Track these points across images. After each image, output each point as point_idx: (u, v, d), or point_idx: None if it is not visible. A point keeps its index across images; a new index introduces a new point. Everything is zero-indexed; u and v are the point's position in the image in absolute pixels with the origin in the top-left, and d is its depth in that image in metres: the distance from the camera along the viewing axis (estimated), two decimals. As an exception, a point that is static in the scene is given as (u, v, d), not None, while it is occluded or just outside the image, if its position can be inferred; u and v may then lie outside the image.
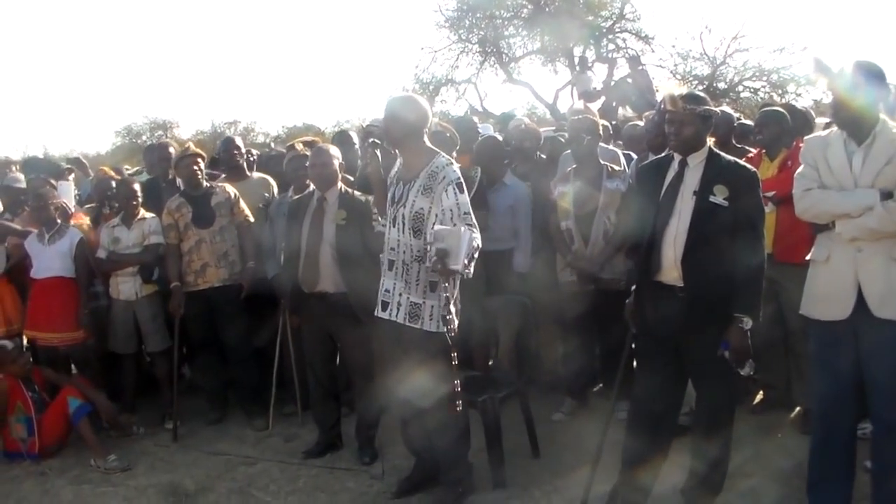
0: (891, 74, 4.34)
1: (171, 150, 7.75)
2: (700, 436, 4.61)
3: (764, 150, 6.07)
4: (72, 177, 9.40)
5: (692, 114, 4.34)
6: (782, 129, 5.99)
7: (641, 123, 7.84)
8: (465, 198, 4.74)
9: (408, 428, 5.26)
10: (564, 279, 6.32)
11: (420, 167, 4.84)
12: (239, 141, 7.93)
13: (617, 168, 6.39)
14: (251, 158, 8.26)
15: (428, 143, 4.95)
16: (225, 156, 7.60)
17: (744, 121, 7.76)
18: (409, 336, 4.85)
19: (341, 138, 7.77)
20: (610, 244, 6.10)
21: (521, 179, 6.94)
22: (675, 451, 4.68)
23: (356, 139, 7.74)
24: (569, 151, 6.68)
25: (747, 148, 6.43)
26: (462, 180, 4.77)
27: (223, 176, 7.53)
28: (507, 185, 6.74)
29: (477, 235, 4.66)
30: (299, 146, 6.80)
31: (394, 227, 4.92)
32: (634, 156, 7.11)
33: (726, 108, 7.29)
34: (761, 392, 6.44)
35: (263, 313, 6.79)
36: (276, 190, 7.32)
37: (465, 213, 4.70)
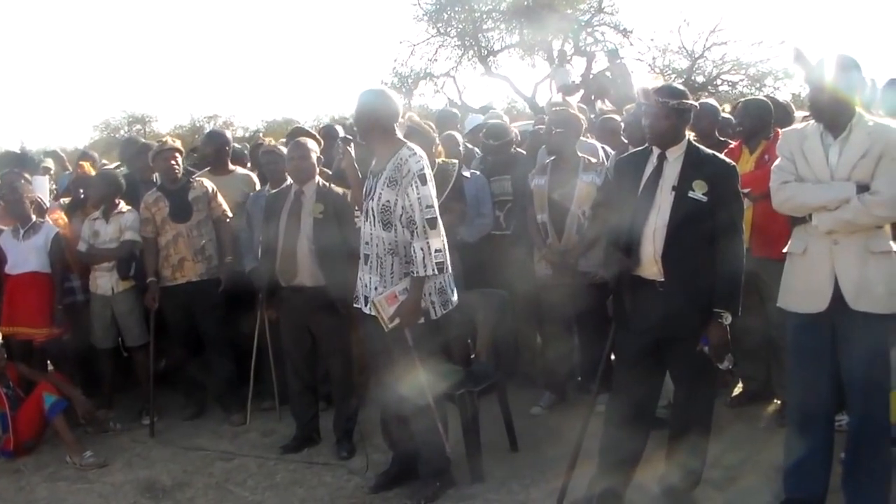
0: (866, 67, 4.35)
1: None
2: (678, 429, 4.63)
3: (744, 142, 6.06)
4: (52, 171, 9.37)
5: (666, 107, 4.35)
6: (762, 120, 5.96)
7: (617, 117, 7.86)
8: (427, 190, 4.77)
9: (387, 421, 5.27)
10: (541, 272, 6.31)
11: (387, 159, 4.87)
12: (228, 135, 7.90)
13: (593, 161, 6.37)
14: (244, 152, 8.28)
15: (398, 136, 4.97)
16: (213, 147, 7.53)
17: (723, 114, 7.76)
18: (390, 329, 4.83)
19: (327, 133, 7.74)
20: (585, 237, 6.10)
21: (502, 173, 6.98)
22: (653, 444, 4.70)
23: (342, 133, 7.71)
24: (546, 145, 6.69)
25: (729, 141, 6.44)
26: (425, 171, 4.79)
27: (207, 169, 7.49)
28: (467, 177, 6.80)
29: (434, 238, 4.75)
30: (268, 141, 6.78)
31: (366, 220, 4.94)
32: (611, 150, 7.10)
33: (711, 101, 7.29)
34: (741, 384, 6.47)
35: (241, 308, 6.76)
36: (258, 186, 7.29)
37: (426, 207, 4.75)
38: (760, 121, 5.95)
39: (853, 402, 4.29)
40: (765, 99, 6.33)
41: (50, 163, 10.19)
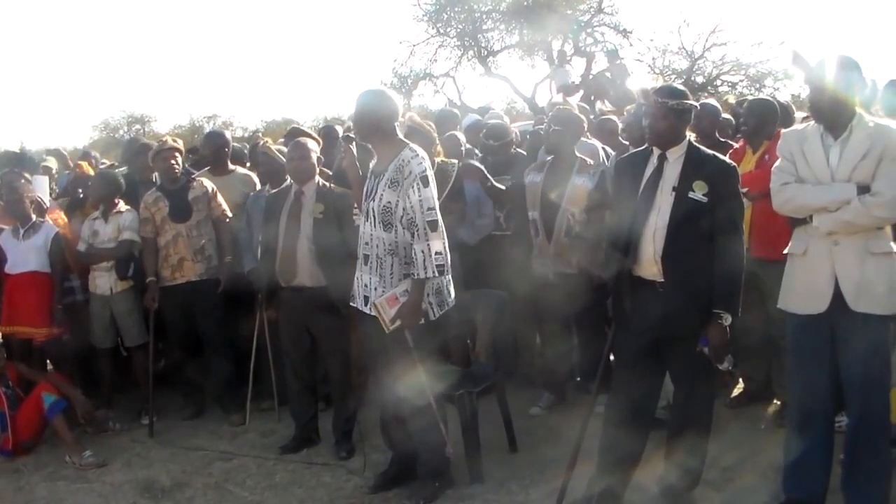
0: (867, 68, 4.35)
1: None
2: (678, 429, 4.63)
3: (747, 141, 6.03)
4: (55, 170, 9.35)
5: (664, 107, 4.35)
6: (765, 119, 5.92)
7: (615, 118, 7.88)
8: (429, 192, 4.77)
9: (387, 422, 5.27)
10: (537, 271, 6.23)
11: (389, 160, 4.86)
12: (228, 135, 7.89)
13: (590, 162, 6.31)
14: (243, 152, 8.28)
15: (399, 136, 4.98)
16: (211, 149, 7.52)
17: (723, 115, 7.75)
18: (391, 332, 4.83)
19: (327, 133, 7.73)
20: (585, 240, 6.04)
21: (502, 174, 6.95)
22: (653, 444, 4.70)
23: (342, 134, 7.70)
24: (548, 144, 6.67)
25: (730, 142, 6.43)
26: (427, 173, 4.80)
27: (206, 168, 7.48)
28: None
29: (435, 240, 4.76)
30: (264, 141, 6.79)
31: (367, 221, 4.94)
32: (611, 151, 7.09)
33: (712, 101, 7.28)
34: (741, 382, 6.48)
35: (240, 308, 6.76)
36: (258, 186, 7.30)
37: (428, 209, 4.75)
38: (764, 120, 5.92)
39: (852, 401, 4.29)
40: (770, 99, 6.30)
41: (52, 162, 10.13)
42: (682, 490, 4.66)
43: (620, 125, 7.42)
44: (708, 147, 4.65)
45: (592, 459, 4.71)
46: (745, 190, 5.41)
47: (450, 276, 4.98)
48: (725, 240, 4.30)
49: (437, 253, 4.74)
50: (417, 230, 4.73)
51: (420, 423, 4.96)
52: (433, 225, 4.74)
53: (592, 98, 13.94)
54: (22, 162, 8.51)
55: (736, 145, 6.22)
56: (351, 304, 5.14)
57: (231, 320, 6.81)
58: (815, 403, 4.37)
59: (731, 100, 7.77)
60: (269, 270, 5.93)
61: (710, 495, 4.82)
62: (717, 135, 6.48)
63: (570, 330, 6.48)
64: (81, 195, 7.54)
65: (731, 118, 7.48)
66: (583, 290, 5.97)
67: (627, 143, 6.87)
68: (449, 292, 4.99)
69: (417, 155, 4.83)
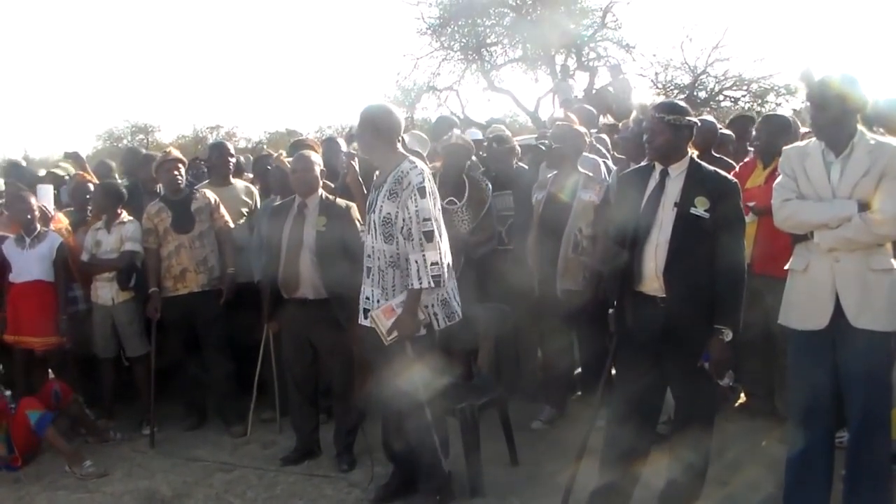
0: (869, 85, 4.35)
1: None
2: (679, 444, 4.61)
3: (758, 156, 6.01)
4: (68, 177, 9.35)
5: (661, 122, 4.38)
6: (778, 136, 5.86)
7: (606, 137, 7.91)
8: (426, 203, 4.77)
9: (388, 435, 5.27)
10: (564, 287, 6.16)
11: (388, 172, 4.90)
12: (231, 147, 7.92)
13: (591, 175, 6.30)
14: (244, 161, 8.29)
15: (399, 149, 5.00)
16: (216, 161, 7.55)
17: (722, 130, 7.74)
18: (391, 343, 4.83)
19: (329, 145, 7.76)
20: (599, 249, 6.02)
21: (503, 188, 6.96)
22: (653, 459, 4.69)
23: (344, 146, 7.73)
24: (549, 160, 6.68)
25: (725, 158, 6.42)
26: (425, 184, 4.81)
27: (207, 181, 7.50)
28: None
29: (430, 251, 4.75)
30: (280, 154, 6.82)
31: (369, 233, 4.97)
32: (612, 165, 7.10)
33: (708, 117, 7.27)
34: (742, 398, 6.48)
35: (243, 318, 6.75)
36: (258, 197, 7.32)
37: (424, 220, 4.76)
38: (777, 137, 5.87)
39: (852, 416, 4.28)
40: (785, 115, 6.28)
41: (69, 166, 10.01)
42: (682, 504, 4.66)
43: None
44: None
45: (594, 471, 4.70)
46: (752, 204, 5.42)
47: (455, 289, 4.99)
48: (727, 255, 4.30)
49: (432, 263, 4.74)
50: (413, 240, 4.75)
51: (419, 435, 4.95)
52: (429, 236, 4.75)
53: (596, 112, 14.00)
54: (18, 174, 8.54)
55: (733, 163, 6.21)
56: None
57: (233, 331, 6.83)
58: (815, 419, 4.37)
59: (748, 101, 7.74)
60: (272, 282, 5.94)
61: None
62: (714, 151, 6.48)
63: (571, 343, 6.48)
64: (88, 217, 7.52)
65: (731, 133, 7.47)
66: (586, 306, 5.96)
67: (623, 157, 6.89)
68: (458, 303, 5.01)
69: (416, 166, 4.85)
